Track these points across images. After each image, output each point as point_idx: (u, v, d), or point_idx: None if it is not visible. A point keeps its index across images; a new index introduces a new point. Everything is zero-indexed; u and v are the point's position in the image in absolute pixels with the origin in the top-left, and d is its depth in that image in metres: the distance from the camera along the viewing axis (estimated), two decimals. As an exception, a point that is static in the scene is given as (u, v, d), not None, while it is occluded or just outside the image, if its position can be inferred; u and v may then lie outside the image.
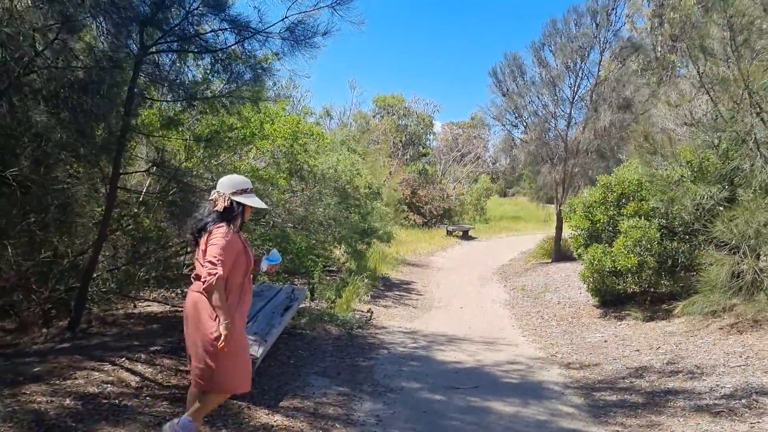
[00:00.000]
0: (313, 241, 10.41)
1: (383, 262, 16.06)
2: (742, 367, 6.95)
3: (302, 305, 8.91)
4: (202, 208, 3.95)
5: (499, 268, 18.21)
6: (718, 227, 8.10)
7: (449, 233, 26.63)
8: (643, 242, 9.18)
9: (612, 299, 10.70)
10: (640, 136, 9.08)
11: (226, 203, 3.79)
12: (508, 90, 18.74)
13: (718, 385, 6.52)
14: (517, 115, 18.81)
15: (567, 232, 13.10)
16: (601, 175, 10.51)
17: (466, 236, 26.88)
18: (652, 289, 10.09)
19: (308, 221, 11.03)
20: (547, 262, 18.22)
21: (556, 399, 6.39)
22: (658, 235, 9.23)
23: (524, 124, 18.92)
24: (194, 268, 3.97)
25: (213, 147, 8.01)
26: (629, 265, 9.23)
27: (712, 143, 9.19)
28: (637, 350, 8.27)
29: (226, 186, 3.90)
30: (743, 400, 6.02)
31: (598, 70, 17.40)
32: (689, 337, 8.37)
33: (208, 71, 7.31)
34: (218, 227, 3.69)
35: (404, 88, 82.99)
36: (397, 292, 13.25)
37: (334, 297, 8.96)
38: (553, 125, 18.31)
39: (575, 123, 18.10)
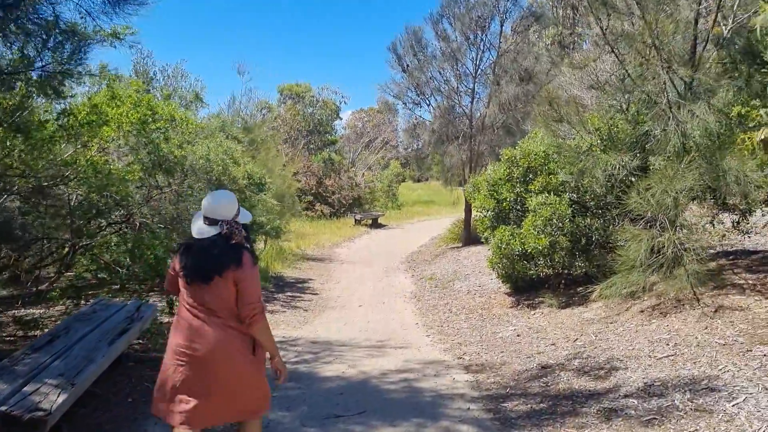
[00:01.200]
0: (176, 243, 8.87)
1: (278, 259, 14.61)
2: (671, 357, 6.03)
3: (161, 321, 7.40)
4: (213, 242, 3.44)
5: (408, 257, 17.14)
6: (633, 199, 7.18)
7: (358, 222, 25.42)
8: (554, 220, 8.19)
9: (524, 285, 9.74)
10: (545, 101, 8.06)
11: (243, 234, 3.51)
12: (408, 66, 17.61)
13: (646, 384, 5.55)
14: (419, 92, 17.71)
15: (475, 214, 12.11)
16: (506, 149, 9.48)
17: (375, 224, 25.76)
18: (566, 272, 9.16)
19: (181, 220, 9.50)
20: (458, 247, 17.30)
21: (458, 417, 5.23)
22: (569, 211, 8.27)
23: (427, 102, 17.86)
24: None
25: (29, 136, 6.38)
26: (540, 247, 8.23)
27: (620, 107, 8.29)
28: (553, 344, 7.27)
29: (230, 210, 3.51)
30: (677, 401, 5.07)
31: (500, 42, 16.50)
32: (609, 324, 7.44)
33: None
34: (247, 261, 3.43)
35: (314, 78, 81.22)
36: (289, 293, 11.85)
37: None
38: (457, 102, 17.34)
39: (479, 98, 17.20)
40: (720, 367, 5.54)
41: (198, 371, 3.39)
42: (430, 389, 6.05)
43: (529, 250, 8.48)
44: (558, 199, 8.33)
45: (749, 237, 9.28)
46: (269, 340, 3.50)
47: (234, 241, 3.42)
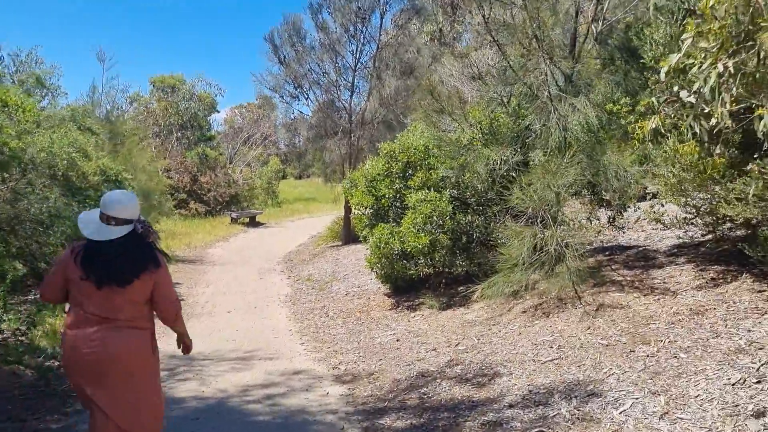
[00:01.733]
0: (16, 247, 7.67)
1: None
2: (555, 361, 5.73)
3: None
4: (123, 244, 3.29)
5: (286, 256, 16.35)
6: (515, 195, 6.88)
7: (234, 221, 24.23)
8: (434, 218, 7.78)
9: (405, 286, 9.28)
10: (425, 92, 7.62)
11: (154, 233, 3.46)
12: (285, 57, 16.80)
13: (531, 391, 5.21)
14: (296, 85, 16.94)
15: (354, 212, 11.54)
16: (384, 143, 8.98)
17: (253, 223, 24.68)
18: (447, 271, 8.79)
19: (21, 221, 8.27)
20: (338, 246, 16.73)
21: (330, 442, 4.62)
22: (450, 208, 7.88)
23: (305, 95, 17.12)
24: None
25: None
26: (420, 246, 7.78)
27: (501, 100, 8.00)
28: (434, 349, 6.82)
29: (138, 208, 3.45)
30: (563, 409, 4.74)
31: (380, 35, 16.07)
32: (491, 326, 7.10)
33: None
34: (163, 261, 3.47)
35: (190, 70, 77.73)
36: (150, 299, 10.76)
37: (26, 325, 6.29)
38: (337, 96, 16.75)
39: (360, 92, 16.70)
40: (605, 370, 5.29)
41: (105, 379, 3.26)
42: (299, 407, 5.39)
43: (408, 250, 8.02)
44: (438, 195, 7.93)
45: (623, 232, 9.33)
46: (184, 327, 3.72)
47: (149, 240, 3.38)
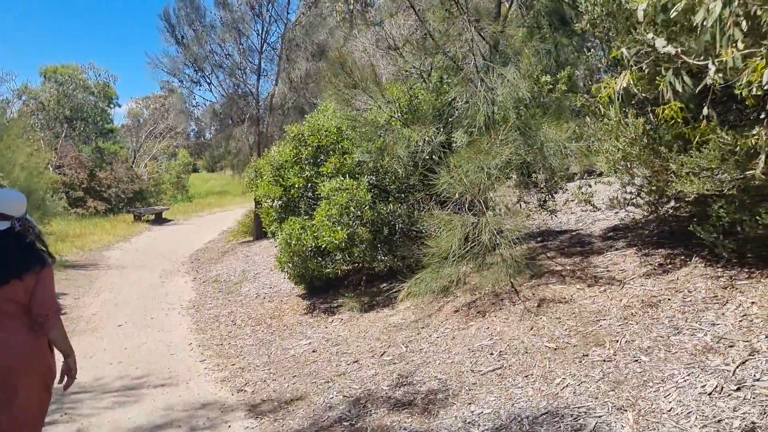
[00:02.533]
0: None
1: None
2: (498, 372, 4.90)
3: None
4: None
5: (192, 256, 15.00)
6: (444, 178, 6.00)
7: (138, 218, 22.45)
8: (352, 208, 6.80)
9: (321, 285, 8.30)
10: (336, 65, 6.62)
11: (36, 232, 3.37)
12: (183, 37, 15.34)
13: (474, 413, 4.35)
14: (197, 68, 15.53)
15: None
16: (291, 125, 7.91)
17: (159, 219, 22.99)
18: (367, 267, 7.85)
19: None
20: (249, 242, 15.55)
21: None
22: (369, 197, 6.92)
23: (208, 80, 15.74)
24: None
25: None
26: (337, 241, 6.80)
27: (421, 74, 7.11)
28: (357, 361, 5.88)
29: (22, 206, 3.34)
30: (514, 437, 3.92)
31: (287, 13, 14.92)
32: (420, 330, 6.22)
33: None
34: (47, 262, 3.33)
35: (86, 60, 73.13)
36: (25, 315, 9.28)
37: None
38: (242, 80, 15.46)
39: (267, 76, 15.48)
40: (557, 381, 4.50)
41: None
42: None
43: (323, 245, 7.02)
44: (355, 183, 6.95)
45: (555, 216, 8.68)
46: (65, 338, 3.37)
47: (28, 240, 3.27)
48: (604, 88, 3.05)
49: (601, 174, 8.81)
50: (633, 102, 4.31)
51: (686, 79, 2.81)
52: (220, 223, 21.13)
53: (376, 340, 6.28)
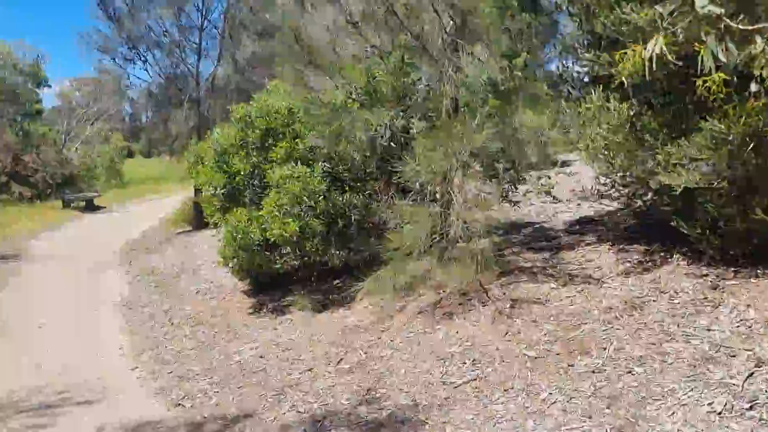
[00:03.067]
0: None
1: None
2: (473, 384, 4.39)
3: None
4: None
5: (127, 246, 13.97)
6: (409, 165, 5.43)
7: (67, 205, 21.04)
8: (304, 198, 6.14)
9: (269, 281, 7.61)
10: (290, 38, 5.94)
11: None
12: (116, 12, 14.23)
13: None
14: (131, 46, 14.45)
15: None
16: (237, 105, 7.16)
17: (91, 206, 21.62)
18: (320, 262, 7.21)
19: None
20: (188, 231, 14.64)
21: None
22: (323, 186, 6.28)
23: (143, 58, 14.67)
24: None
25: None
26: (287, 234, 6.13)
27: (381, 54, 6.50)
28: (311, 369, 5.28)
29: None
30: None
31: (230, -12, 14.00)
32: (381, 333, 5.65)
33: None
34: None
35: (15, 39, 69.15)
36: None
37: None
38: (181, 59, 14.48)
39: (209, 56, 14.55)
40: (543, 396, 4.01)
41: None
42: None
43: (273, 239, 6.34)
44: (309, 170, 6.29)
45: (517, 208, 8.21)
46: None
47: None
48: (630, 55, 2.52)
49: (564, 164, 8.42)
50: (665, 72, 3.82)
51: (731, 46, 2.31)
52: (157, 211, 19.94)
53: (331, 345, 5.67)
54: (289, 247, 6.51)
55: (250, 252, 6.67)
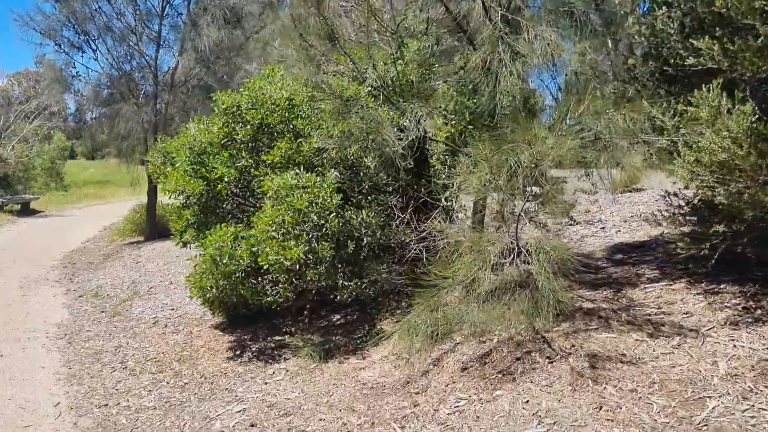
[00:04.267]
0: None
1: None
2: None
3: None
4: None
5: (67, 257, 12.20)
6: (462, 177, 4.10)
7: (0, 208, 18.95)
8: (312, 215, 4.72)
9: (248, 314, 6.15)
10: (299, 5, 4.55)
11: None
12: (61, -11, 12.48)
13: None
14: (79, 30, 12.70)
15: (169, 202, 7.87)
16: (223, 92, 5.67)
17: (26, 211, 19.57)
18: (327, 294, 5.78)
19: None
20: (139, 242, 12.96)
21: None
22: (337, 200, 4.86)
23: (93, 45, 12.92)
24: None
25: None
26: (289, 261, 4.69)
27: (413, 29, 5.19)
28: (330, 452, 3.86)
29: None
30: None
31: (196, -30, 12.44)
32: (416, 398, 4.27)
33: None
34: None
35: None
36: None
37: None
38: (137, 48, 12.80)
39: (168, 45, 12.94)
40: None
41: None
42: None
43: (266, 265, 4.88)
44: (319, 179, 4.87)
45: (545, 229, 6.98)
46: None
47: None
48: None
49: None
50: None
51: None
52: (101, 217, 18.08)
53: (349, 412, 4.26)
54: (285, 276, 5.05)
55: (234, 281, 5.19)
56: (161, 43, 12.76)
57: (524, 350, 4.45)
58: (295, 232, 4.78)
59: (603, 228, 7.98)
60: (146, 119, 12.64)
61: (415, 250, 5.40)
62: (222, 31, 11.69)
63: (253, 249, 4.95)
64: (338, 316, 5.94)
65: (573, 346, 4.35)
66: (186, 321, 6.96)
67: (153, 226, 12.99)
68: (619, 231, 7.36)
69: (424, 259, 5.44)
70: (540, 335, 4.55)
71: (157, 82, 12.73)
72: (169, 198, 5.81)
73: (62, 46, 12.84)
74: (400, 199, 5.64)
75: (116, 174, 34.59)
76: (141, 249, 12.12)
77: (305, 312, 6.00)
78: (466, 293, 4.54)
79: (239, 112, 5.35)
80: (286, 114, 5.31)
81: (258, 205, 5.18)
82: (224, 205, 5.63)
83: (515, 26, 4.67)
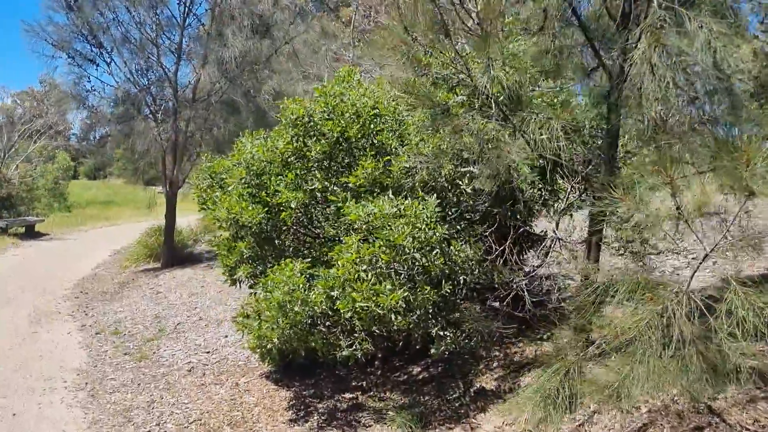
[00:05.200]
0: None
1: None
2: None
3: None
4: None
5: (78, 286, 11.20)
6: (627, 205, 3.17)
7: (3, 231, 17.92)
8: (414, 253, 3.75)
9: (305, 363, 5.17)
10: None
11: None
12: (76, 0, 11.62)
13: None
14: (94, 42, 11.82)
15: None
16: (290, 100, 4.68)
17: (31, 233, 18.55)
18: (422, 342, 4.79)
19: None
20: (156, 269, 11.98)
21: None
22: (441, 232, 3.89)
23: (108, 58, 12.03)
24: None
25: None
26: (382, 309, 3.71)
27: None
28: None
29: None
30: None
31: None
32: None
33: None
34: None
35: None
36: None
37: None
38: (156, 60, 11.91)
39: (189, 57, 12.05)
40: None
41: None
42: None
43: (351, 314, 3.91)
44: (422, 205, 3.91)
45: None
46: None
47: None
48: None
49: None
50: None
51: None
52: (109, 241, 17.09)
53: None
54: (363, 323, 4.07)
55: (304, 329, 4.21)
56: (182, 54, 11.87)
57: (690, 425, 3.47)
58: (393, 272, 3.81)
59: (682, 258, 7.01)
60: (165, 138, 11.71)
61: (516, 288, 4.45)
62: (249, 41, 10.80)
63: (332, 294, 3.98)
64: (417, 368, 4.97)
65: (756, 421, 3.37)
66: (228, 369, 5.98)
67: (171, 252, 12.02)
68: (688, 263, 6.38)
69: (527, 301, 4.50)
70: (703, 404, 3.58)
71: (177, 97, 11.83)
72: (219, 228, 4.84)
73: (75, 59, 11.94)
74: (492, 229, 4.70)
75: (119, 194, 33.83)
76: (159, 277, 11.14)
77: (376, 362, 5.02)
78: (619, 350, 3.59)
79: (311, 123, 4.41)
80: (371, 126, 4.37)
81: (328, 237, 4.22)
82: (285, 237, 4.66)
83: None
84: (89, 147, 37.54)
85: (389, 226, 3.73)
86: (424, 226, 3.80)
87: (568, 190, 4.54)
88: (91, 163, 44.80)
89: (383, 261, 3.74)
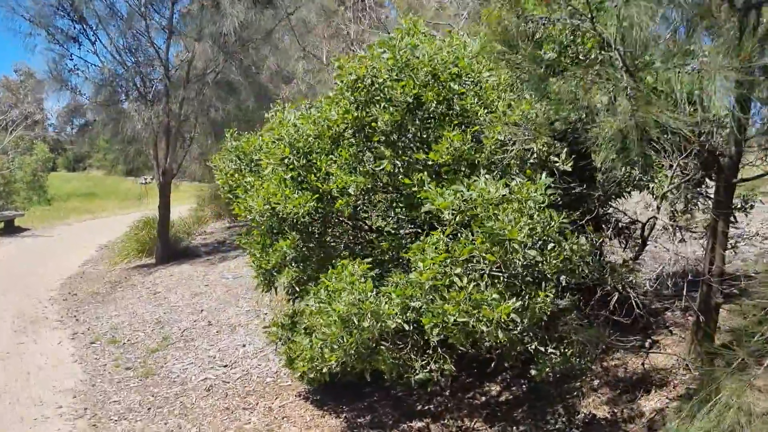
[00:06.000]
0: None
1: None
2: None
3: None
4: None
5: (65, 286, 10.18)
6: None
7: (-21, 227, 16.81)
8: (523, 247, 2.85)
9: (351, 382, 4.25)
10: None
11: None
12: (55, -28, 10.50)
13: None
14: (76, 17, 10.72)
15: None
16: (352, 55, 3.64)
17: (11, 228, 17.39)
18: (516, 362, 3.90)
19: None
20: (150, 265, 10.97)
21: None
22: (560, 221, 2.97)
23: (92, 36, 10.93)
24: None
25: None
26: (490, 325, 2.81)
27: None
28: None
29: None
30: None
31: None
32: None
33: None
34: None
35: None
36: None
37: None
38: (146, 37, 10.84)
39: (181, 33, 10.97)
40: None
41: None
42: None
43: (440, 330, 2.99)
44: (533, 185, 2.98)
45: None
46: None
47: None
48: None
49: None
50: None
51: None
52: (95, 235, 15.98)
53: None
54: (456, 342, 3.16)
55: (368, 346, 3.29)
56: (173, 30, 10.80)
57: None
58: (501, 276, 2.90)
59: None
60: (156, 121, 10.66)
61: (632, 290, 3.58)
62: (250, 11, 9.75)
63: (413, 304, 3.06)
64: (496, 387, 4.07)
65: None
66: (255, 388, 5.05)
67: (166, 246, 11.03)
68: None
69: (636, 304, 3.63)
70: None
71: (168, 76, 10.77)
72: (252, 221, 3.87)
73: (55, 36, 10.83)
74: (590, 218, 3.81)
75: (101, 186, 32.63)
76: (155, 274, 10.14)
77: (441, 379, 4.10)
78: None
79: (375, 84, 3.44)
80: (455, 87, 3.42)
81: (419, 233, 3.30)
82: (335, 232, 3.72)
83: None
84: (69, 136, 36.22)
85: (495, 215, 2.81)
86: (536, 214, 2.89)
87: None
88: (70, 155, 43.35)
89: (490, 261, 2.82)
